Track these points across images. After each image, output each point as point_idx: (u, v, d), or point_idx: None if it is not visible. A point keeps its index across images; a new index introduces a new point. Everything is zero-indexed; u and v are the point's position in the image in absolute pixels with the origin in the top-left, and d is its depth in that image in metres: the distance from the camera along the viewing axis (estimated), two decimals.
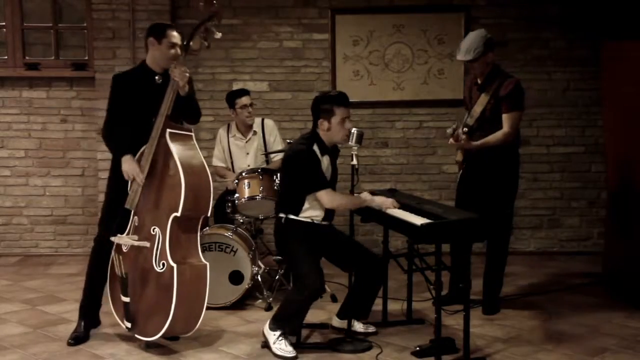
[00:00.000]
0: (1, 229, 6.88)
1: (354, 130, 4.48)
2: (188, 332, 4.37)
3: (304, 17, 6.76)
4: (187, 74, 4.29)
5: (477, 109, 4.84)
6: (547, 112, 6.79)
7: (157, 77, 4.43)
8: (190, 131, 4.42)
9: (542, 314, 5.00)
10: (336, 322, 4.64)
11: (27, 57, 6.83)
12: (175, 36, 4.39)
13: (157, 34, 4.40)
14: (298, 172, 4.33)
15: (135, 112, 4.37)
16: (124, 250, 4.33)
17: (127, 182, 4.36)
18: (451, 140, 4.85)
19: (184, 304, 4.19)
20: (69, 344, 4.42)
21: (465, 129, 4.85)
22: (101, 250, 4.46)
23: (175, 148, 4.24)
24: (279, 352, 4.23)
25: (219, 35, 4.32)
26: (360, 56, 6.74)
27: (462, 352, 4.13)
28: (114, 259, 4.33)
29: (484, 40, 4.77)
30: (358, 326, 4.59)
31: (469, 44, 4.78)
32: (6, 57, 6.82)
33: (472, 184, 5.01)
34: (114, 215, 4.42)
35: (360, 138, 4.47)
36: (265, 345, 4.33)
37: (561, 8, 6.68)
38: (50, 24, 6.89)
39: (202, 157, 4.36)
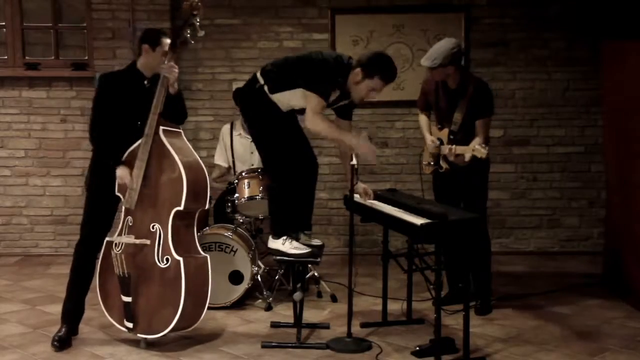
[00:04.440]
0: (1, 229, 6.88)
1: (363, 132, 4.50)
2: (191, 326, 4.42)
3: (304, 17, 6.76)
4: (176, 70, 4.33)
5: (459, 115, 4.88)
6: (547, 112, 6.79)
7: (145, 82, 4.43)
8: (179, 128, 4.48)
9: (542, 314, 5.00)
10: (271, 243, 4.52)
11: (27, 57, 6.83)
12: (167, 44, 4.40)
13: (152, 41, 4.40)
14: (313, 68, 4.24)
15: (123, 115, 4.36)
16: (119, 251, 4.30)
17: (112, 183, 4.35)
18: (447, 151, 4.86)
19: (192, 296, 4.27)
20: (55, 347, 4.35)
21: (451, 137, 4.91)
22: (87, 254, 4.43)
23: (170, 145, 4.30)
24: (294, 251, 4.33)
25: (202, 33, 4.35)
26: None
27: (462, 352, 4.13)
28: (115, 259, 4.30)
29: (446, 53, 4.78)
30: (304, 238, 4.51)
31: (432, 52, 4.84)
32: (6, 57, 6.82)
33: (448, 186, 5.05)
34: (101, 217, 4.44)
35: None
36: (280, 255, 4.38)
37: (561, 8, 6.68)
38: (50, 24, 6.89)
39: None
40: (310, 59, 4.34)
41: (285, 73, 4.31)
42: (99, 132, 4.38)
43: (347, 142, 4.31)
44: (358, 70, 4.24)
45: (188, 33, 4.33)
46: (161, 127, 4.31)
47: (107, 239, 4.41)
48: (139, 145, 4.32)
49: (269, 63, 4.49)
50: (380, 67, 4.25)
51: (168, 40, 4.41)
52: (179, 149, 4.32)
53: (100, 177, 4.41)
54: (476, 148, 4.63)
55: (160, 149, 4.29)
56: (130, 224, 4.33)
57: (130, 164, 4.33)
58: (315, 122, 4.20)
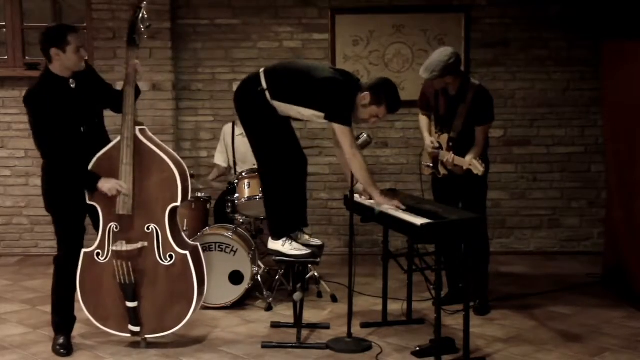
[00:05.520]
0: (1, 229, 6.88)
1: (364, 134, 4.51)
2: (197, 309, 4.44)
3: (304, 17, 6.75)
4: (139, 65, 4.28)
5: (458, 122, 4.88)
6: (547, 112, 6.79)
7: (70, 82, 4.22)
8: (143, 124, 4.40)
9: (542, 314, 5.00)
10: (271, 244, 4.50)
11: (27, 57, 6.83)
12: (77, 38, 4.16)
13: (58, 43, 4.11)
14: (331, 93, 4.20)
15: (64, 124, 4.14)
16: (104, 259, 4.24)
17: (76, 195, 4.22)
18: (447, 158, 4.87)
19: (201, 284, 4.32)
20: (62, 355, 4.30)
21: (450, 144, 4.90)
22: (71, 265, 4.29)
23: (150, 143, 4.25)
24: (294, 252, 4.33)
25: (148, 23, 4.30)
26: (360, 56, 6.74)
27: (462, 352, 4.13)
28: (119, 267, 4.20)
29: (443, 65, 4.76)
30: (304, 237, 4.53)
31: (430, 63, 4.81)
32: (6, 57, 6.82)
33: (447, 189, 5.05)
34: (77, 229, 4.32)
35: (365, 145, 4.49)
36: (280, 256, 4.37)
37: (561, 8, 6.67)
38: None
39: None
40: (324, 79, 4.24)
41: (293, 87, 4.27)
42: (54, 149, 4.15)
43: (373, 196, 4.33)
44: (367, 94, 4.25)
45: (142, 28, 4.26)
46: (137, 127, 4.23)
47: (84, 250, 4.28)
48: (112, 150, 4.19)
49: (275, 66, 4.48)
50: (389, 96, 4.27)
51: (75, 34, 4.17)
52: (159, 146, 4.29)
53: (63, 192, 4.26)
54: (473, 163, 4.64)
55: (141, 149, 4.22)
56: (117, 230, 4.24)
57: (109, 172, 4.18)
58: (356, 159, 4.23)
